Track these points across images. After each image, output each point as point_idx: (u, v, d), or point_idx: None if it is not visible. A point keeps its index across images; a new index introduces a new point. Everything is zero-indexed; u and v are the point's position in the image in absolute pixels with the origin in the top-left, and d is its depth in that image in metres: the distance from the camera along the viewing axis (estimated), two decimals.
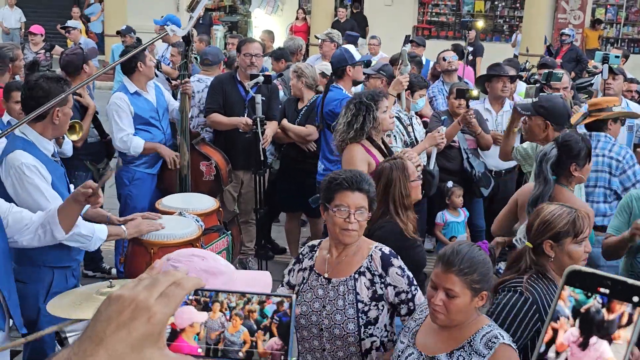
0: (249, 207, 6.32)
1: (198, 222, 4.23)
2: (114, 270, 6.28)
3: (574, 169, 3.99)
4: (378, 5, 18.97)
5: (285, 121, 6.41)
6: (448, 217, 6.20)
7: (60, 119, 3.86)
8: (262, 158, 5.76)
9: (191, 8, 3.26)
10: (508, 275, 3.21)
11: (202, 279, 1.10)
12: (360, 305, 3.14)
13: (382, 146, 4.76)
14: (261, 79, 5.86)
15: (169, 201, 4.67)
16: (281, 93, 7.39)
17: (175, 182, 5.78)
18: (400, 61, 5.78)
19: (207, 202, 4.73)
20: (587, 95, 9.57)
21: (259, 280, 1.69)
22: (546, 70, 6.72)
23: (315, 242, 3.47)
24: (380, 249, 3.25)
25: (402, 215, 3.82)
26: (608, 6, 19.74)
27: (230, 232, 4.63)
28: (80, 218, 3.57)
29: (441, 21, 20.17)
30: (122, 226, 3.94)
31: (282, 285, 3.39)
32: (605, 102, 5.36)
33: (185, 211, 4.35)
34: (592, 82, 10.08)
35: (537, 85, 6.44)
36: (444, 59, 7.55)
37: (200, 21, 16.94)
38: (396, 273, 3.18)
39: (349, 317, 3.13)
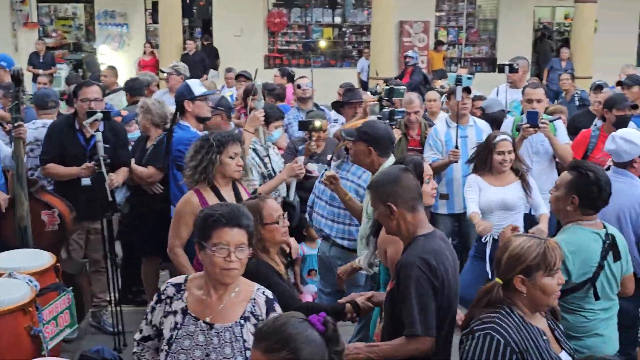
0: (98, 255, 5.82)
1: (31, 282, 3.77)
2: None
3: None
4: (227, 36, 18.84)
5: (132, 161, 5.98)
6: (305, 249, 5.96)
7: None
8: (110, 199, 5.31)
9: None
10: (476, 312, 2.95)
11: None
12: (248, 353, 2.85)
13: (233, 191, 4.49)
14: (99, 115, 5.33)
15: None
16: (137, 132, 6.91)
17: (12, 234, 5.23)
18: (253, 96, 5.61)
19: (41, 259, 4.25)
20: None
21: None
22: (388, 86, 6.53)
23: (180, 279, 3.08)
24: (263, 292, 3.03)
25: (266, 255, 3.59)
26: (449, 28, 20.61)
27: (71, 288, 4.17)
28: None
29: (291, 50, 20.30)
30: None
31: (141, 330, 3.02)
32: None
33: (15, 271, 3.87)
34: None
35: (379, 102, 6.19)
36: (299, 86, 7.47)
37: (41, 60, 16.05)
38: None
39: None
